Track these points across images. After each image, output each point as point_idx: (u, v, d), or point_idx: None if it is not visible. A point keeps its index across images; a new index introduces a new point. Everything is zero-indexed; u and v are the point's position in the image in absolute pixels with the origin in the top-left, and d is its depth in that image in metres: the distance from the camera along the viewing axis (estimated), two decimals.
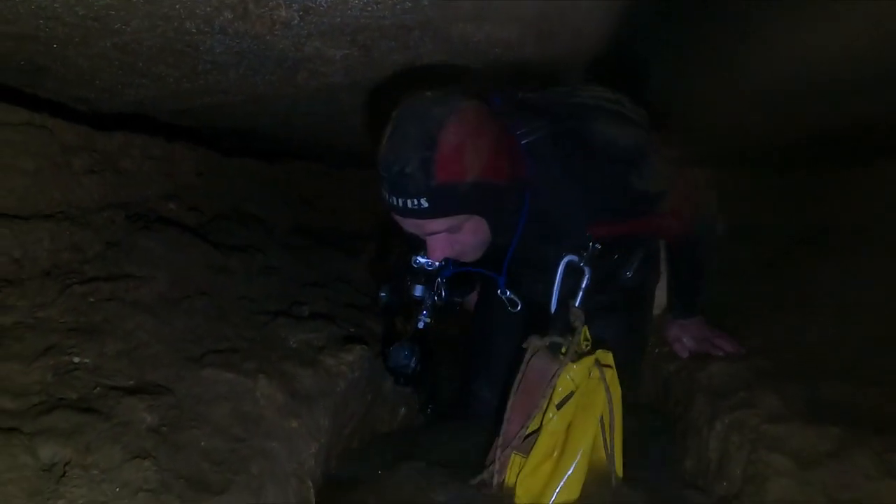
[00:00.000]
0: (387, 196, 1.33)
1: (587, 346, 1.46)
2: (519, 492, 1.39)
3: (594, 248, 1.54)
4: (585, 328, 1.45)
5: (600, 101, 1.54)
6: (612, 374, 1.42)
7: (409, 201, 1.29)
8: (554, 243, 1.56)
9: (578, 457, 1.35)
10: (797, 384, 1.50)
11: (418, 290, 1.65)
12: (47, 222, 1.26)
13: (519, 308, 1.69)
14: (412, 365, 1.64)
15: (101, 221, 1.40)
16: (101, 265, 1.36)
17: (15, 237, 1.19)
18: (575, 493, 1.37)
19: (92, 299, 1.26)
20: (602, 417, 1.39)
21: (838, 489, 1.13)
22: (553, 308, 1.55)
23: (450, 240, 1.41)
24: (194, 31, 1.19)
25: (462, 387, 2.18)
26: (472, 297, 2.13)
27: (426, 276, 1.63)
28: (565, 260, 1.54)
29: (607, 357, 1.44)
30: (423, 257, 1.55)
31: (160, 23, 1.16)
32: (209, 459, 1.09)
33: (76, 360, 1.10)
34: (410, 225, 1.38)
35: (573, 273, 1.54)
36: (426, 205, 1.29)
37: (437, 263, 1.56)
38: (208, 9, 1.13)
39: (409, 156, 1.27)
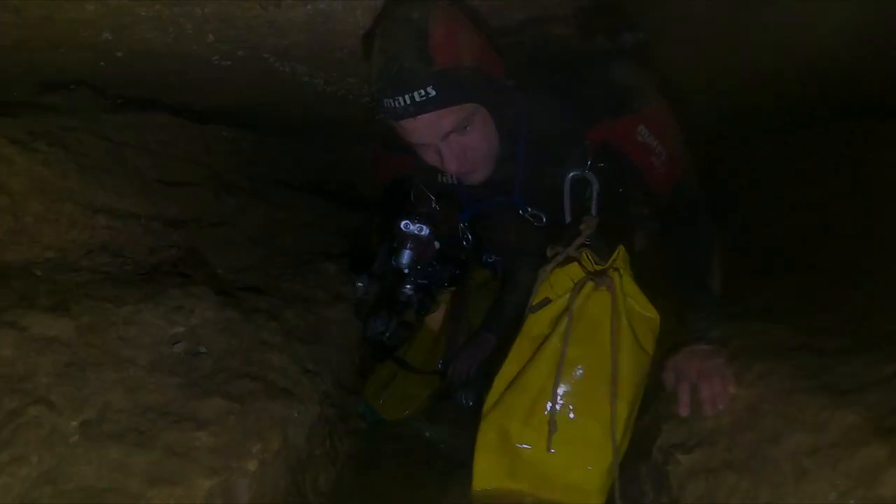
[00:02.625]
0: (392, 103, 1.29)
1: (613, 262, 1.38)
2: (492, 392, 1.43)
3: (594, 156, 1.52)
4: (622, 249, 1.39)
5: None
6: (621, 301, 1.32)
7: (415, 94, 1.26)
8: (557, 165, 1.56)
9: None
10: None
11: (406, 257, 1.63)
12: (203, 187, 2.02)
13: (544, 221, 1.66)
14: (387, 333, 1.66)
15: (222, 185, 2.13)
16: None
17: (200, 197, 1.94)
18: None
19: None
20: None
21: None
22: (567, 220, 1.56)
23: (462, 145, 1.38)
24: (279, 68, 1.87)
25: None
26: (437, 316, 2.04)
27: (413, 241, 1.63)
28: (570, 175, 1.55)
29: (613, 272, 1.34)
30: (411, 223, 1.62)
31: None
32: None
33: None
34: (423, 129, 1.34)
35: (582, 188, 1.55)
36: (433, 92, 1.26)
37: (425, 230, 1.62)
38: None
39: (405, 51, 1.26)
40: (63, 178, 1.64)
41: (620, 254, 1.38)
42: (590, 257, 1.39)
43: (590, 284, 1.33)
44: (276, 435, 1.17)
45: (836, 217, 2.44)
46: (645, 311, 1.38)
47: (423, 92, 1.27)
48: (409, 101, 1.28)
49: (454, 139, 1.37)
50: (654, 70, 1.63)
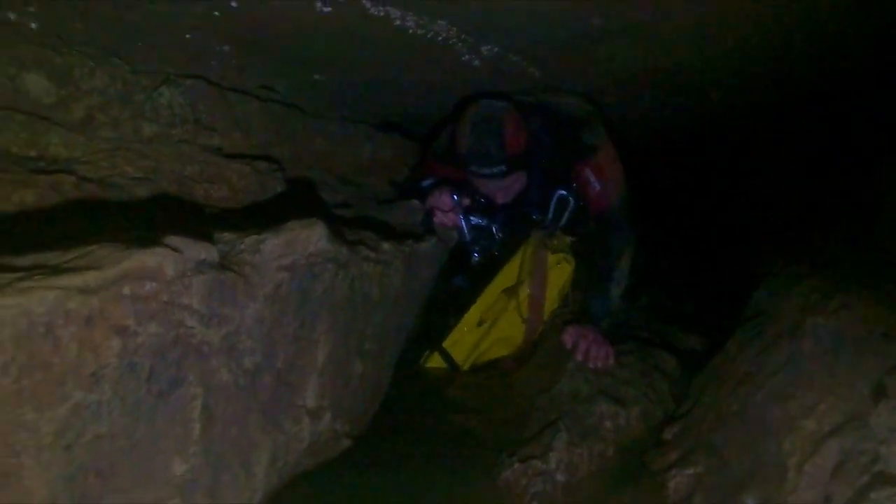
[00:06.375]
0: (476, 169, 2.10)
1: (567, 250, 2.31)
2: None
3: (574, 187, 2.30)
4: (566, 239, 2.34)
5: (569, 98, 2.38)
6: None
7: (493, 169, 2.09)
8: (551, 189, 2.35)
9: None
10: None
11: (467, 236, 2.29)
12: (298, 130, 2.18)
13: (536, 219, 2.42)
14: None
15: (315, 128, 2.30)
16: None
17: (296, 139, 2.10)
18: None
19: None
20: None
21: None
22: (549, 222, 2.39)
23: (508, 190, 2.23)
24: None
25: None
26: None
27: (478, 231, 2.35)
28: (558, 193, 2.35)
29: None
30: (475, 218, 2.29)
31: None
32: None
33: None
34: (490, 185, 2.19)
35: (560, 204, 2.37)
36: (504, 168, 2.10)
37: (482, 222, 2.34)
38: None
39: (489, 139, 2.06)
40: (182, 122, 1.80)
41: (566, 240, 2.35)
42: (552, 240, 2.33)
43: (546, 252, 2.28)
44: None
45: None
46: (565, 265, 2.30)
47: (497, 169, 2.11)
48: (487, 172, 2.13)
49: (504, 188, 2.24)
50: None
